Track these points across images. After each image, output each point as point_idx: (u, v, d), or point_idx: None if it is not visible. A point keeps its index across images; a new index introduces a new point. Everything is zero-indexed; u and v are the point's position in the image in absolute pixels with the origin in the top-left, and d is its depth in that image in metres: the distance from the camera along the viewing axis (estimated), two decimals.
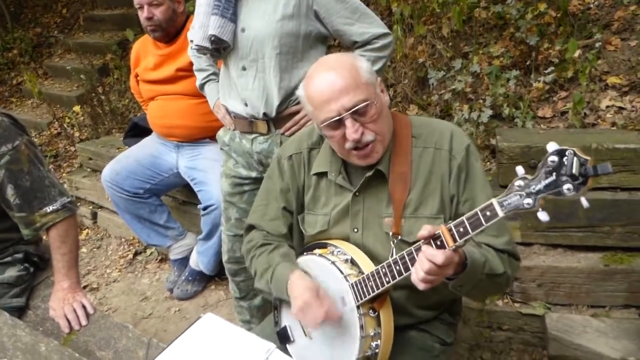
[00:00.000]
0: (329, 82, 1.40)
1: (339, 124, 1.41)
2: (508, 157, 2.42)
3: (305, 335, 1.60)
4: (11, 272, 2.00)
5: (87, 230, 4.03)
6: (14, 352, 1.28)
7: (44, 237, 2.11)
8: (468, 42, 3.31)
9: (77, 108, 5.11)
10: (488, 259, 1.38)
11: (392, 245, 1.46)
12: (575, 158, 1.04)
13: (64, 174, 4.47)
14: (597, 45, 2.87)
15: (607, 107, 2.72)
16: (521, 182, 1.11)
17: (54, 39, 6.50)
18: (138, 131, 3.34)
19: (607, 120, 2.67)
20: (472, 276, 1.33)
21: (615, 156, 2.28)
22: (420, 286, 1.25)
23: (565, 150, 1.05)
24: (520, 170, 1.13)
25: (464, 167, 1.47)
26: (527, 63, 3.00)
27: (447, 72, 3.19)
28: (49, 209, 1.92)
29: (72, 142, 4.85)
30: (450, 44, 3.31)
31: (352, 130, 1.40)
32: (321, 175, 1.61)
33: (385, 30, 2.06)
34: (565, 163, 1.05)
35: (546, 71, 2.89)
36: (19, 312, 1.93)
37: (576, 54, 2.82)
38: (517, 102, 2.88)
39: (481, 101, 2.96)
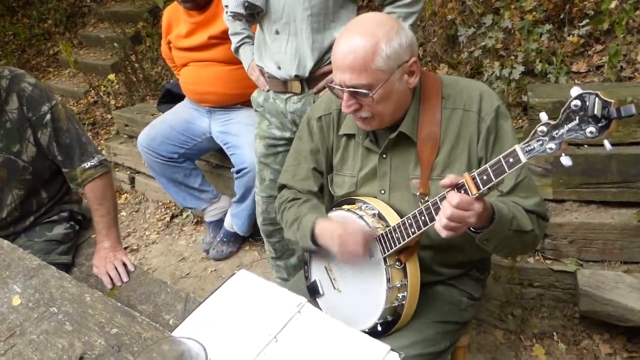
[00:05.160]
0: (343, 52, 1.38)
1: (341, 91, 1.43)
2: (540, 113, 2.38)
3: (334, 288, 1.65)
4: (59, 230, 2.11)
5: (125, 194, 4.16)
6: (62, 302, 1.36)
7: (85, 200, 2.22)
8: None
9: (112, 76, 5.21)
10: (516, 215, 1.38)
11: (420, 205, 1.46)
12: (597, 100, 1.02)
13: (101, 141, 4.60)
14: None
15: None
16: (544, 128, 1.10)
17: (87, 9, 6.57)
18: (171, 97, 3.40)
19: None
20: (499, 230, 1.33)
21: None
22: (443, 233, 1.25)
23: (589, 93, 1.03)
24: (543, 116, 1.11)
25: (493, 129, 1.45)
26: (561, 16, 2.90)
27: (477, 28, 3.12)
28: (87, 164, 2.01)
29: (108, 110, 4.96)
30: None
31: (345, 105, 1.43)
32: (350, 136, 1.62)
33: None
34: (588, 106, 1.03)
35: (581, 24, 2.79)
36: (66, 268, 2.03)
37: (613, 5, 2.71)
38: (550, 57, 2.81)
39: (513, 57, 2.89)
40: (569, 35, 2.83)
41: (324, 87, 2.09)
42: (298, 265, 2.56)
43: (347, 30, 1.43)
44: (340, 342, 1.22)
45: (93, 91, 5.27)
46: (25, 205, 2.05)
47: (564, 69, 2.76)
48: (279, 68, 2.11)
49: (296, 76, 2.09)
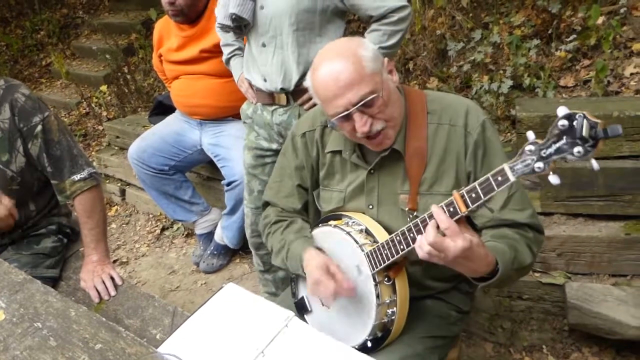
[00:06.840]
0: (332, 76, 1.37)
1: (348, 117, 1.40)
2: (527, 127, 2.40)
3: (323, 305, 1.64)
4: (46, 243, 2.10)
5: (116, 206, 4.14)
6: (47, 317, 1.36)
7: (74, 213, 2.21)
8: (488, 12, 3.25)
9: (104, 88, 5.22)
10: (517, 254, 1.38)
11: (409, 221, 1.45)
12: (585, 121, 1.04)
13: (92, 153, 4.59)
14: (622, 10, 2.80)
15: (632, 74, 2.66)
16: (532, 147, 1.11)
17: (80, 20, 6.59)
18: (163, 109, 3.40)
19: (631, 88, 2.62)
20: (502, 277, 1.34)
21: (637, 124, 2.24)
22: (421, 254, 1.25)
23: (575, 114, 1.05)
24: (530, 135, 1.12)
25: (480, 143, 1.46)
26: (549, 32, 2.94)
27: (466, 43, 3.15)
28: (77, 177, 2.01)
29: (99, 121, 4.96)
30: (470, 14, 3.27)
31: (360, 124, 1.39)
32: (335, 152, 1.61)
33: (402, 3, 2.04)
34: (575, 126, 1.04)
35: (568, 39, 2.83)
36: (53, 282, 2.02)
37: (600, 21, 2.75)
38: (538, 71, 2.84)
39: (501, 72, 2.92)
40: (556, 50, 2.86)
41: (308, 100, 2.10)
42: (286, 279, 2.56)
43: (321, 63, 1.41)
44: (327, 356, 1.22)
45: (85, 102, 5.27)
46: None
47: (551, 83, 2.79)
48: (265, 80, 2.14)
49: (282, 89, 2.10)
